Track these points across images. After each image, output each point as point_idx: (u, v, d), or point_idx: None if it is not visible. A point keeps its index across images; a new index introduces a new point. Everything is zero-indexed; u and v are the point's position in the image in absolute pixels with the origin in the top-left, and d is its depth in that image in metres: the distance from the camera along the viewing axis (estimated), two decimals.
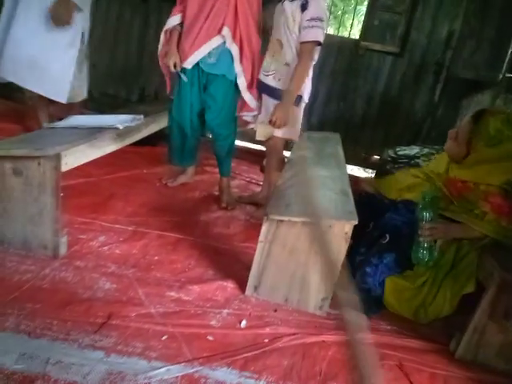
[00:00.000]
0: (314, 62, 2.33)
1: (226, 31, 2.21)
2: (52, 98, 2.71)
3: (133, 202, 2.34)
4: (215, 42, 2.24)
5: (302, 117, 2.42)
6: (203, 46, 2.24)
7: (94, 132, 1.94)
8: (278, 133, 2.37)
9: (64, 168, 1.65)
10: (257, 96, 2.43)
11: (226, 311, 1.59)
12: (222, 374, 1.29)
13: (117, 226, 2.05)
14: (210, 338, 1.43)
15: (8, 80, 2.65)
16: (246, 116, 2.54)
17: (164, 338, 1.38)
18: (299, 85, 2.25)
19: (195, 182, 2.85)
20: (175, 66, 2.32)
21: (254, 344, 1.44)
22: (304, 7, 2.14)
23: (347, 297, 0.81)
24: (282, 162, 2.52)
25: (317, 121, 3.90)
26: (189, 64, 2.29)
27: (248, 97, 2.40)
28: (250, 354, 1.39)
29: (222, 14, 2.19)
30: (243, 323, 1.54)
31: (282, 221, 1.60)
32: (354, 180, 2.09)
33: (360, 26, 4.18)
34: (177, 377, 1.24)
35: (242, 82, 2.35)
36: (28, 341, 1.26)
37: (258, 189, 2.88)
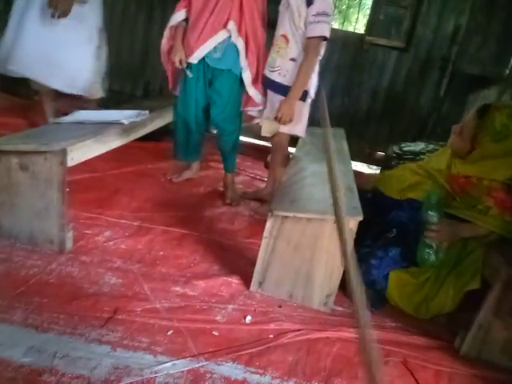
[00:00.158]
0: (320, 57, 2.32)
1: (231, 25, 2.20)
2: (69, 91, 2.72)
3: (138, 197, 2.35)
4: (221, 36, 2.23)
5: (308, 112, 2.42)
6: (209, 40, 2.23)
7: (100, 127, 1.94)
8: (284, 129, 2.36)
9: (70, 163, 1.65)
10: (262, 91, 2.42)
11: (230, 307, 1.60)
12: (228, 369, 1.30)
13: (122, 221, 2.06)
14: (216, 333, 1.44)
15: (22, 75, 2.65)
16: (251, 111, 2.54)
17: (169, 332, 1.39)
18: (305, 80, 2.24)
19: (200, 177, 2.86)
20: (181, 62, 2.31)
21: (258, 339, 1.45)
22: (310, 2, 2.13)
23: (359, 291, 0.81)
24: (287, 158, 2.51)
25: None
26: (194, 59, 2.29)
27: (253, 91, 2.39)
28: (254, 350, 1.40)
29: (227, 8, 2.19)
30: (248, 319, 1.55)
31: (286, 217, 1.60)
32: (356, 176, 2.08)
33: (365, 21, 4.16)
34: (182, 371, 1.25)
35: (247, 77, 2.34)
36: (35, 334, 1.28)
37: (263, 185, 2.88)
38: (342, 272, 1.61)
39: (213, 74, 2.34)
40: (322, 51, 2.30)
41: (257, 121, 2.60)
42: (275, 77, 2.33)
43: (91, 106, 2.80)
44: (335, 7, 7.70)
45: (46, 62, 2.58)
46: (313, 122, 2.44)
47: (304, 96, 2.31)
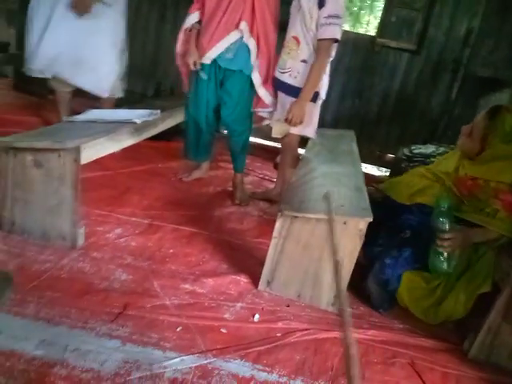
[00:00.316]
0: (331, 59, 2.32)
1: (243, 25, 2.22)
2: (94, 92, 2.81)
3: (148, 195, 2.38)
4: (233, 36, 2.25)
5: (318, 114, 2.42)
6: (221, 40, 2.25)
7: (113, 126, 1.97)
8: (295, 130, 2.37)
9: (83, 161, 1.68)
10: (272, 92, 2.43)
11: (239, 305, 1.61)
12: (235, 366, 1.31)
13: (133, 218, 2.09)
14: (224, 330, 1.46)
15: (47, 74, 2.72)
16: (262, 112, 2.55)
17: (178, 329, 1.41)
18: (316, 82, 2.25)
19: (209, 177, 2.88)
20: (195, 65, 2.34)
21: (266, 338, 1.46)
22: (321, 4, 2.13)
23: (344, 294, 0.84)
24: (297, 159, 2.52)
25: (331, 118, 3.88)
26: (207, 59, 2.31)
27: (263, 92, 2.40)
28: (262, 348, 1.41)
29: (240, 8, 2.21)
30: (256, 317, 1.56)
31: (296, 217, 1.61)
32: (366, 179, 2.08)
33: (376, 23, 4.15)
34: (190, 367, 1.27)
35: (256, 77, 2.35)
36: (47, 328, 1.30)
37: (272, 185, 2.89)
38: (350, 273, 1.61)
39: (224, 75, 2.36)
40: (333, 53, 2.30)
41: (267, 122, 2.61)
42: (286, 78, 2.34)
43: (107, 106, 2.85)
44: (347, 9, 7.72)
45: (75, 62, 2.67)
46: (323, 123, 2.45)
47: (315, 97, 2.32)
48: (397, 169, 3.05)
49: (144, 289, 1.58)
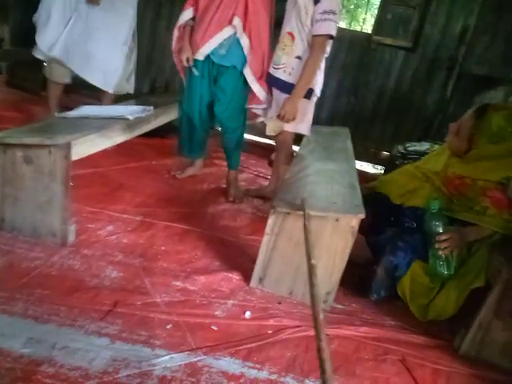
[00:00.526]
0: (325, 56, 2.31)
1: (236, 21, 2.21)
2: (101, 87, 2.87)
3: (141, 192, 2.36)
4: (226, 32, 2.24)
5: (313, 110, 2.41)
6: (214, 36, 2.24)
7: (105, 122, 1.96)
8: (288, 127, 2.36)
9: (74, 157, 1.66)
10: (266, 88, 2.42)
11: (230, 302, 1.60)
12: (225, 363, 1.30)
13: (125, 215, 2.07)
14: (215, 327, 1.45)
15: (60, 59, 2.75)
16: (256, 109, 2.54)
17: (169, 326, 1.40)
18: (310, 78, 2.24)
19: (203, 174, 2.87)
20: (188, 61, 2.34)
21: (257, 335, 1.45)
22: (317, 0, 2.12)
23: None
24: (291, 156, 2.51)
25: (326, 115, 3.88)
26: (200, 55, 2.30)
27: (257, 88, 2.39)
28: (253, 345, 1.40)
29: (233, 4, 2.20)
30: (247, 314, 1.55)
31: (288, 213, 1.60)
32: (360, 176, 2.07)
33: (373, 21, 4.14)
34: (180, 365, 1.26)
35: (248, 73, 2.34)
36: (35, 326, 1.29)
37: (266, 183, 2.88)
38: (342, 270, 1.61)
39: (218, 72, 2.35)
40: (328, 49, 2.29)
41: (261, 119, 2.60)
42: (280, 74, 2.32)
43: (107, 103, 2.85)
44: (343, 7, 7.70)
45: (87, 56, 2.74)
46: (318, 120, 2.44)
47: (309, 94, 2.31)
48: (391, 166, 3.04)
49: (135, 286, 1.57)
